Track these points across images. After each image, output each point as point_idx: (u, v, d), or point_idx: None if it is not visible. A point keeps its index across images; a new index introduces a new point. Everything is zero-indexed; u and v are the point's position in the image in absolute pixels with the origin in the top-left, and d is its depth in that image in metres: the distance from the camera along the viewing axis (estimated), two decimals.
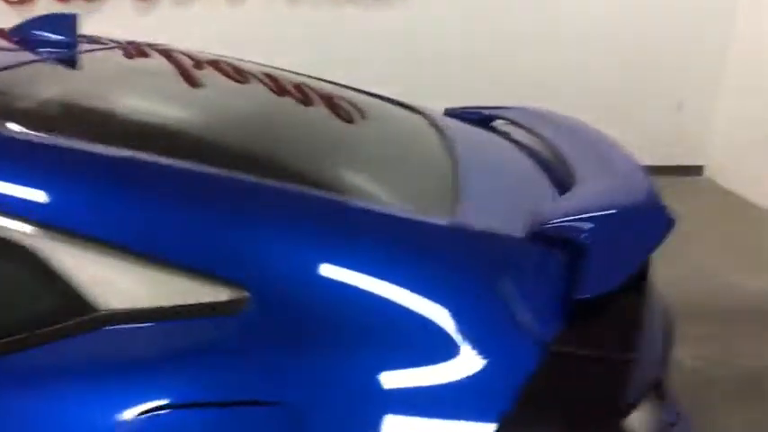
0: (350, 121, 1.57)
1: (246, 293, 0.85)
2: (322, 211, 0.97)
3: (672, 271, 3.15)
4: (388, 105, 1.81)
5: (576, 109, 4.11)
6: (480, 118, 1.90)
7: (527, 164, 1.44)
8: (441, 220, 1.02)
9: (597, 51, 4.31)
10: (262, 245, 0.89)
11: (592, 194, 1.11)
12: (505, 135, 1.77)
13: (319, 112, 1.58)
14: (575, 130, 1.50)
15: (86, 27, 4.24)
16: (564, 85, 4.24)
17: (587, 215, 1.00)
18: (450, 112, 1.98)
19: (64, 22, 1.49)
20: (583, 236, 0.96)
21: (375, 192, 1.16)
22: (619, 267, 0.96)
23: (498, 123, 1.88)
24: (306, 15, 4.20)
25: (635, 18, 4.30)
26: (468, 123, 1.89)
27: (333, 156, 1.27)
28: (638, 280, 1.01)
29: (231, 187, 0.96)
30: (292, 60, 4.12)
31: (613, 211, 1.02)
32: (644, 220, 1.04)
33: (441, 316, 0.86)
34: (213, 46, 4.15)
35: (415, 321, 0.85)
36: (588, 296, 0.90)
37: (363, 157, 1.32)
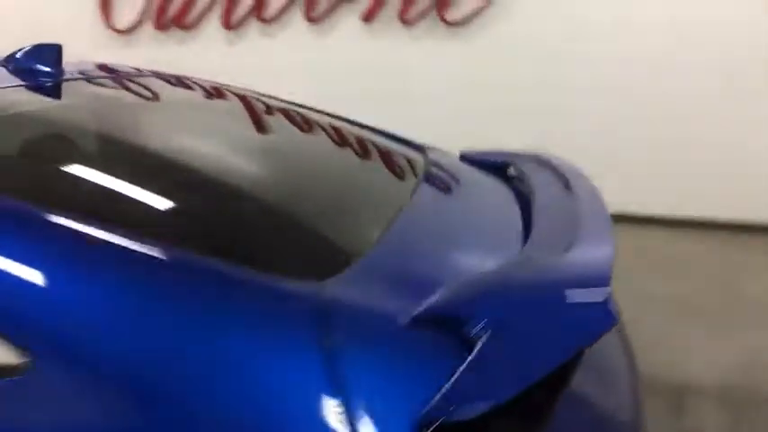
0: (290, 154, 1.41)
1: (28, 358, 0.75)
2: (134, 266, 0.82)
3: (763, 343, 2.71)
4: (382, 145, 1.65)
5: (668, 154, 3.77)
6: (494, 164, 1.71)
7: (496, 224, 1.24)
8: (300, 288, 0.83)
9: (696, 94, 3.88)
10: (46, 305, 0.78)
11: (508, 273, 0.89)
12: (512, 184, 1.57)
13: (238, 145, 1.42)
14: (567, 188, 1.28)
15: (183, 54, 4.48)
16: (656, 132, 3.86)
17: (484, 301, 0.79)
18: (465, 156, 1.81)
19: (49, 53, 1.50)
20: (472, 329, 0.76)
21: (246, 249, 0.95)
22: (517, 376, 0.74)
23: (512, 170, 1.69)
24: (386, 47, 4.16)
25: (735, 57, 3.83)
26: (482, 168, 1.71)
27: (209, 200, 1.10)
28: (551, 391, 0.80)
29: (14, 236, 0.85)
30: (370, 89, 4.13)
31: (525, 299, 0.81)
32: (572, 315, 0.81)
33: (247, 413, 0.70)
34: (297, 75, 4.27)
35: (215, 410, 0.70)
36: (462, 414, 0.70)
37: (275, 206, 1.15)
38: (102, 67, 1.72)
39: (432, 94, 4.13)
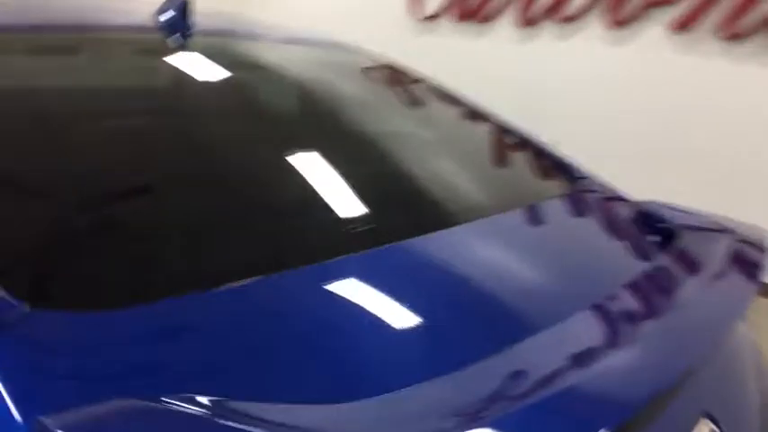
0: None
1: None
2: None
3: None
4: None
5: None
6: (663, 229, 1.15)
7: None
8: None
9: None
10: None
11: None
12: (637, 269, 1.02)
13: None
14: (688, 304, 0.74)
15: (477, 47, 4.38)
16: None
17: None
18: (648, 207, 1.27)
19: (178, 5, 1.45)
20: None
21: None
22: None
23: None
24: (693, 64, 3.41)
25: None
26: (649, 229, 1.17)
27: None
28: None
29: None
30: (662, 107, 3.44)
31: None
32: None
33: None
34: (586, 82, 3.80)
35: None
36: None
37: None
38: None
39: (748, 126, 3.25)
